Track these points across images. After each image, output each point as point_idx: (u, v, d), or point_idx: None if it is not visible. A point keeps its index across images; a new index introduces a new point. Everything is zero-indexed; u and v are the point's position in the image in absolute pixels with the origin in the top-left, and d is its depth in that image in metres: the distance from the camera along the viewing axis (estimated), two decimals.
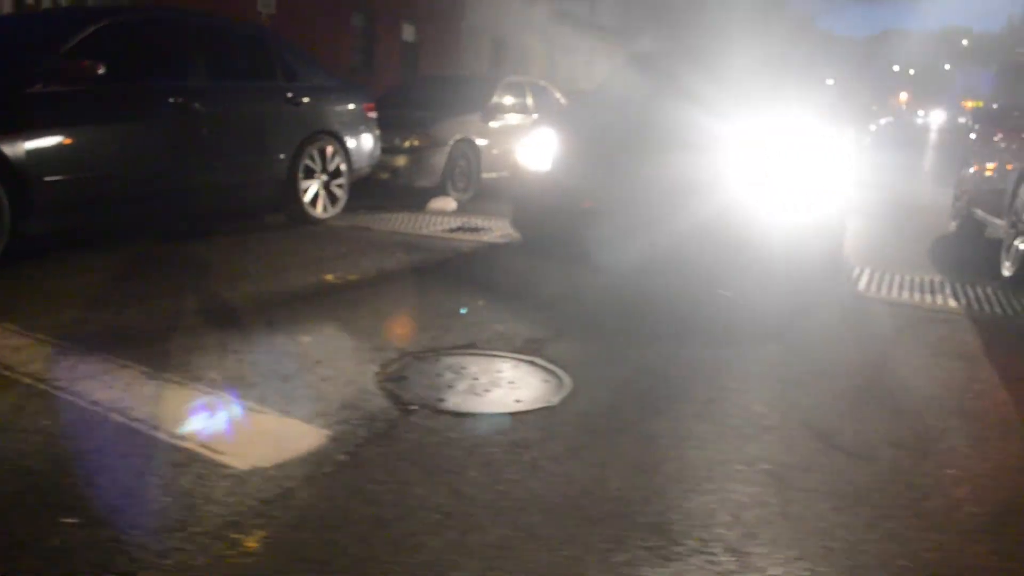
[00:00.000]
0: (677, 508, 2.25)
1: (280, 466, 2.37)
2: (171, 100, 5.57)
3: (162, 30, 5.84)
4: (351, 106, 7.30)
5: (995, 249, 6.16)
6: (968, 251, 7.20)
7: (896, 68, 66.75)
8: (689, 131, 4.76)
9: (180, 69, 5.76)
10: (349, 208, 7.16)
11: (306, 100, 6.72)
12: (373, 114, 7.56)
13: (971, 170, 7.81)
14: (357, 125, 7.26)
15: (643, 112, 5.31)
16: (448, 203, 8.24)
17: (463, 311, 4.17)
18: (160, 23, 5.86)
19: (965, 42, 70.30)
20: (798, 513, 2.27)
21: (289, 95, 6.59)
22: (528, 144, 5.23)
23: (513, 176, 5.80)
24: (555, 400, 3.02)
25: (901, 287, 5.36)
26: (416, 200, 8.35)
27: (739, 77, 5.89)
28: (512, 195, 5.57)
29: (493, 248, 6.17)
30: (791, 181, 4.68)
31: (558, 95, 10.89)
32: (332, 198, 6.93)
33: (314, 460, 2.43)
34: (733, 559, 2.02)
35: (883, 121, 44.05)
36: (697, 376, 3.37)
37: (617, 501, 2.28)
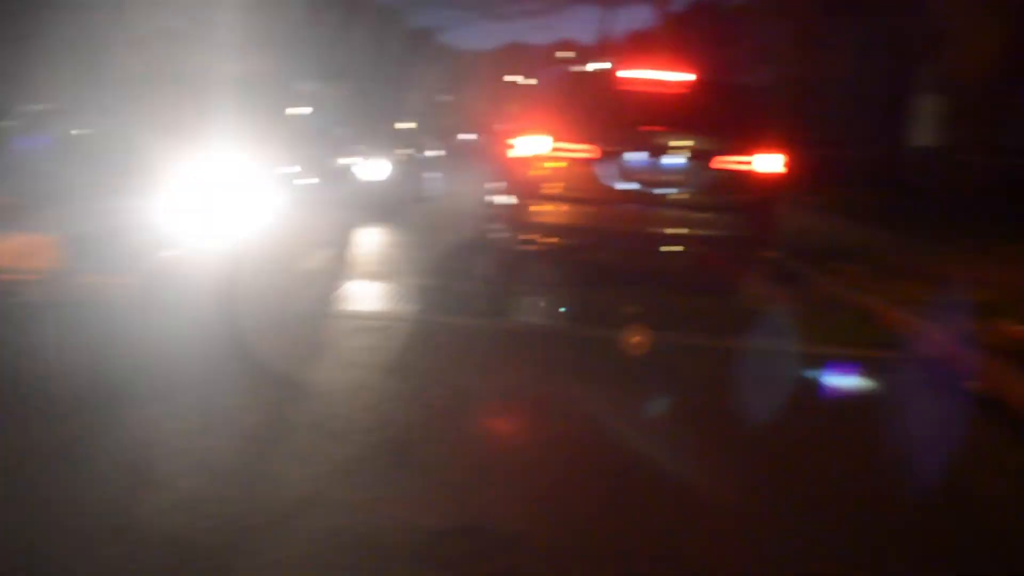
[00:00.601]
0: None
1: None
2: None
3: None
4: None
5: (514, 258, 6.83)
6: (481, 259, 7.69)
7: (516, 80, 72.34)
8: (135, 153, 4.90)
9: None
10: None
11: None
12: None
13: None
14: None
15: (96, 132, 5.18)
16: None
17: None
18: None
19: (573, 53, 78.18)
20: None
21: None
22: None
23: None
24: None
25: (375, 299, 6.19)
26: None
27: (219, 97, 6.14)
28: None
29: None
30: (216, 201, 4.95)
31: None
32: None
33: None
34: None
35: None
36: (74, 407, 3.66)
37: None
